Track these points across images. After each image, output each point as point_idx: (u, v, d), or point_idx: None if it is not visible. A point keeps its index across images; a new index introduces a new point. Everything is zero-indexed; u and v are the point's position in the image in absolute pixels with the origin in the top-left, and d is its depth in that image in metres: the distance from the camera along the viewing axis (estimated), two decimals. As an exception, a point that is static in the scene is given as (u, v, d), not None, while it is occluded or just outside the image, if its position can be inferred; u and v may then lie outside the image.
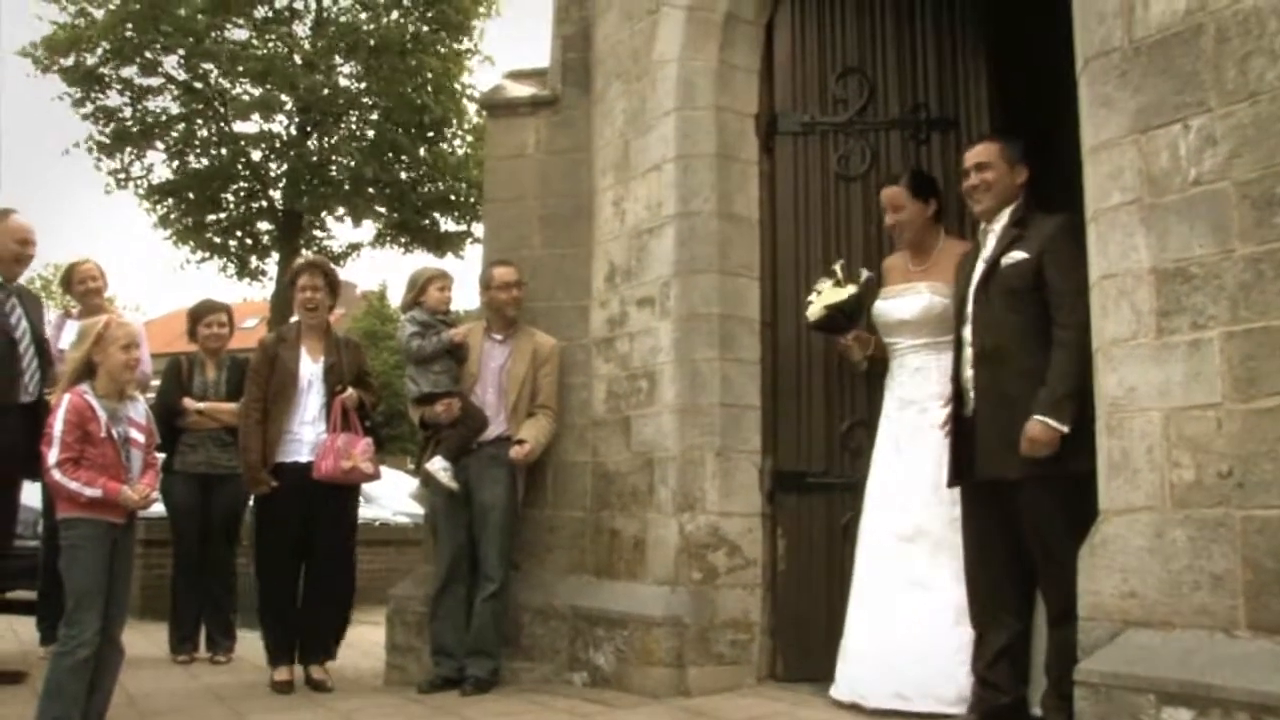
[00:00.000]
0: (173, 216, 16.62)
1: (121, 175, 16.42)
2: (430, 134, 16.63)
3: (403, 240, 17.36)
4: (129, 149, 16.28)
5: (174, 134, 16.33)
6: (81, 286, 6.98)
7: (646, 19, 6.08)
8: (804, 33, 5.85)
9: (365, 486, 6.39)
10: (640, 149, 6.00)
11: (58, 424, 4.39)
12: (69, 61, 15.71)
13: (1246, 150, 3.40)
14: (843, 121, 5.73)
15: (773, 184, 5.78)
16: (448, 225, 17.22)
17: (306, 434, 5.98)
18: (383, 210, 16.99)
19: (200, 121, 16.32)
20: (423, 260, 17.66)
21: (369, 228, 17.59)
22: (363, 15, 16.51)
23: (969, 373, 4.48)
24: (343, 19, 16.63)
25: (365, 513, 7.07)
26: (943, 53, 5.73)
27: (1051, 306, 4.24)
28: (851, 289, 5.11)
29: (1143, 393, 3.58)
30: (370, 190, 16.46)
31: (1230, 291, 3.40)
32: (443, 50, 16.47)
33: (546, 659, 5.96)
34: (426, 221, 17.08)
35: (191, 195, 16.38)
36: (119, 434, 4.51)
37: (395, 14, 16.68)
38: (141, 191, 16.48)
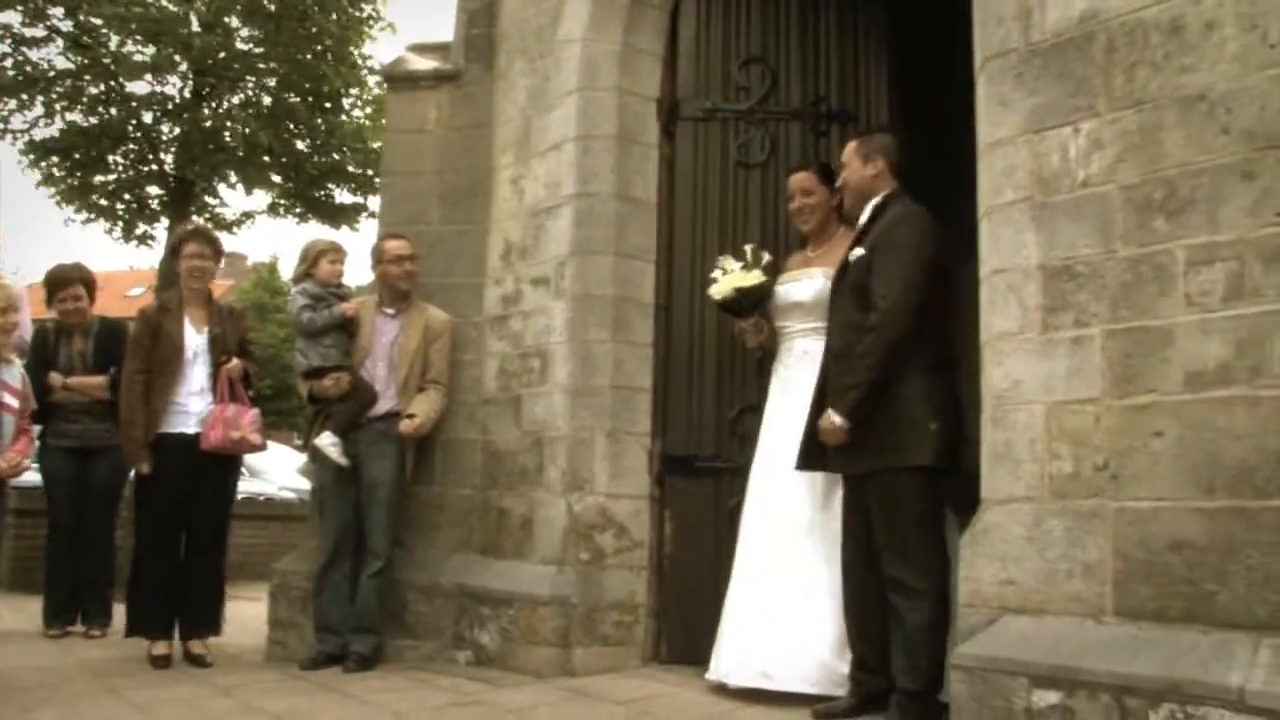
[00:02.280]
0: (57, 174, 16.08)
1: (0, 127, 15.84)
2: (328, 104, 16.31)
3: (297, 210, 17.02)
4: (8, 99, 15.67)
5: (59, 89, 15.78)
6: None
7: (553, -3, 6.05)
8: (709, 19, 5.88)
9: (250, 460, 6.29)
10: (541, 128, 5.98)
11: None
12: (-60, 6, 15.12)
13: (1131, 155, 3.52)
14: (744, 110, 5.77)
15: (672, 169, 5.80)
16: (343, 197, 16.94)
17: (194, 405, 5.85)
18: (277, 179, 16.63)
19: (88, 78, 15.79)
20: (317, 231, 17.35)
21: (262, 196, 17.19)
22: (262, -22, 16.16)
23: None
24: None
25: (250, 487, 6.94)
26: (844, 46, 5.81)
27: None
28: (761, 276, 5.10)
29: (1027, 386, 3.68)
30: (265, 159, 16.09)
31: (1112, 291, 3.51)
32: (343, 17, 16.16)
33: (431, 637, 5.93)
34: (321, 192, 16.78)
35: (78, 155, 15.84)
36: None
37: (296, -23, 16.35)
38: (22, 146, 15.93)
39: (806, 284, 5.02)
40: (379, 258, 6.11)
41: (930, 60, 5.96)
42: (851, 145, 4.74)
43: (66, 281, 6.87)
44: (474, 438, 6.14)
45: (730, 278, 5.13)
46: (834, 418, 4.28)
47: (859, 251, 4.44)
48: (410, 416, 5.84)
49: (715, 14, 5.88)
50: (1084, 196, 3.63)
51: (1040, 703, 3.38)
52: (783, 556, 4.82)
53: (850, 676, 4.50)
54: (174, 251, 6.12)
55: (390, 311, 6.07)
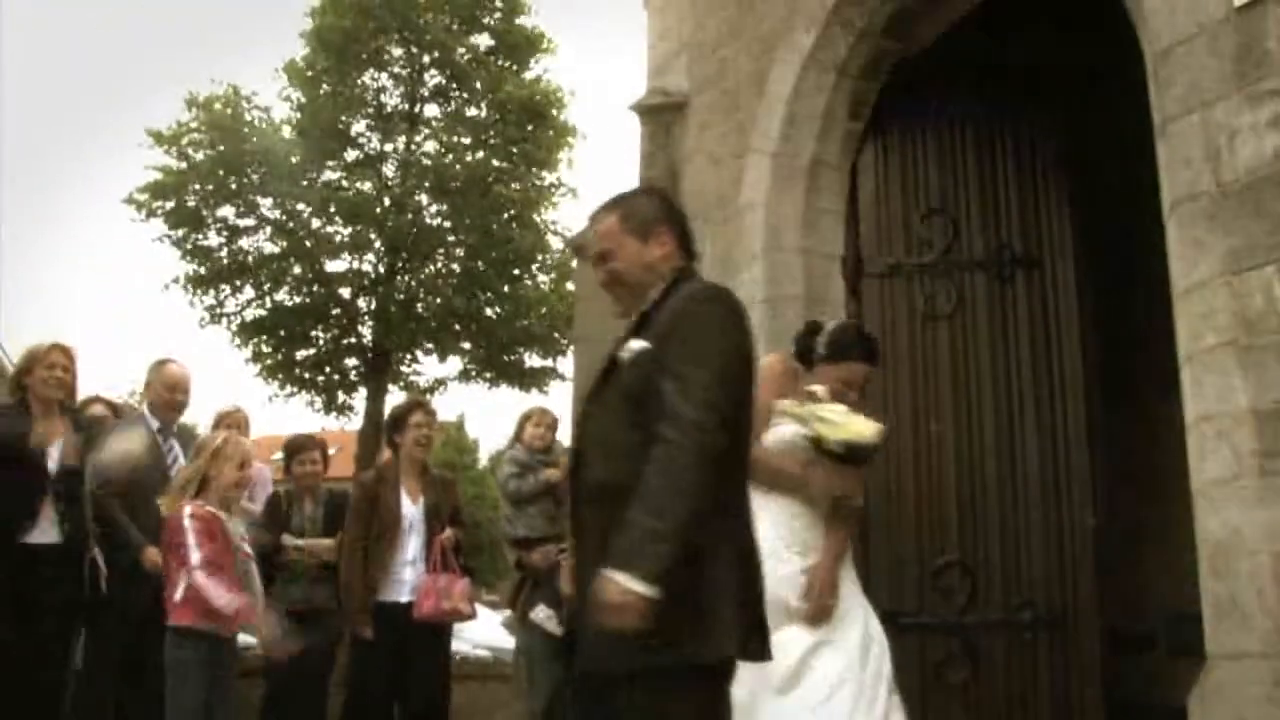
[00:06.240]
0: (264, 351, 17.06)
1: (216, 310, 16.96)
2: (515, 269, 17.01)
3: (488, 375, 17.60)
4: (223, 285, 16.83)
5: (265, 272, 16.87)
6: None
7: (733, 163, 6.25)
8: (888, 175, 5.98)
9: (451, 621, 6.41)
10: (729, 292, 6.11)
11: (189, 532, 4.52)
12: (170, 205, 16.41)
13: (1341, 293, 3.43)
14: (928, 262, 5.81)
15: (860, 324, 5.86)
16: (532, 361, 17.49)
17: (407, 574, 6.02)
18: (468, 346, 17.30)
19: (292, 259, 16.86)
20: (508, 395, 17.91)
21: (454, 363, 17.84)
22: (448, 157, 17.09)
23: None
24: (426, 161, 17.25)
25: (447, 647, 7.07)
26: (1024, 190, 5.82)
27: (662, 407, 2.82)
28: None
29: (1248, 535, 3.56)
30: (457, 326, 16.79)
31: (1333, 432, 3.40)
32: (526, 185, 16.99)
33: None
34: (512, 357, 17.35)
35: (282, 332, 16.84)
36: (236, 547, 4.69)
37: (480, 153, 17.28)
38: (234, 328, 16.99)
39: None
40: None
41: (1114, 199, 5.94)
42: (611, 221, 3.13)
43: (307, 446, 7.29)
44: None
45: (842, 428, 4.00)
46: (630, 583, 2.61)
47: (638, 345, 2.95)
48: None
49: (894, 168, 5.98)
50: (1293, 336, 3.54)
51: None
52: None
53: None
54: (396, 422, 6.36)
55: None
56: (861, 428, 3.98)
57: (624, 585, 2.63)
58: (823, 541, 4.00)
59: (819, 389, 4.11)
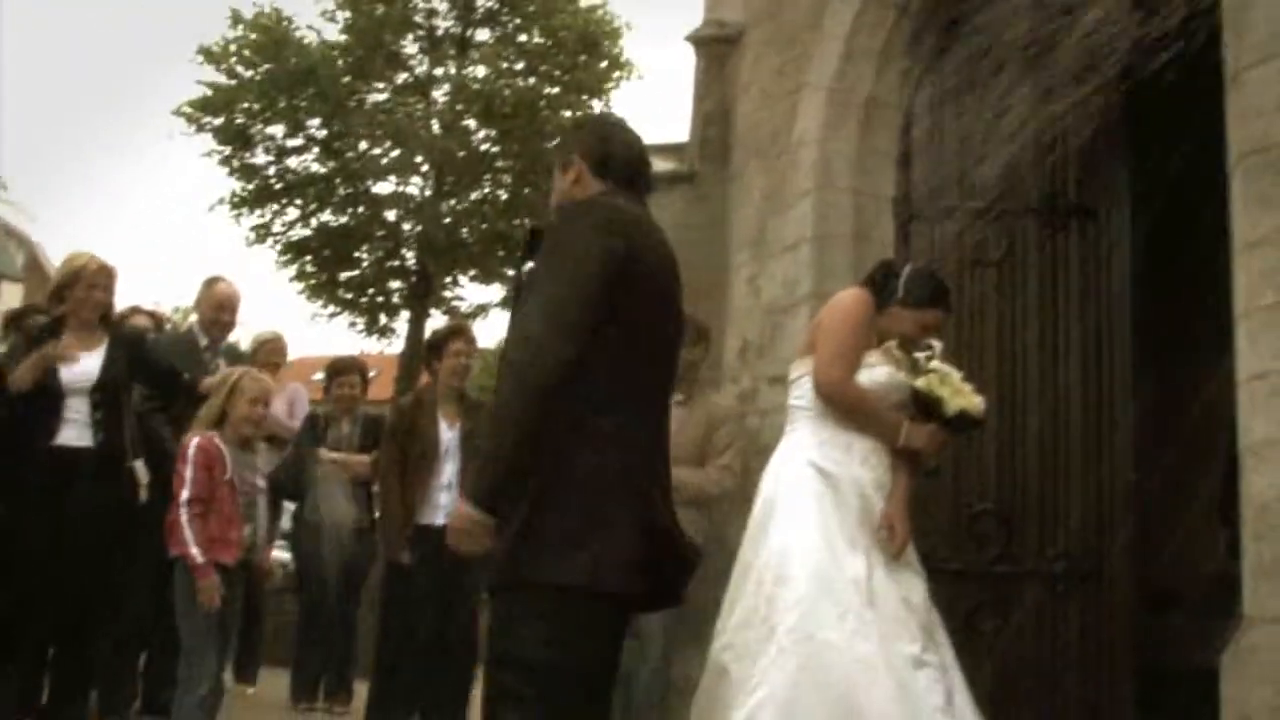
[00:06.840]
0: (308, 271, 17.17)
1: (262, 230, 17.04)
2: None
3: (530, 302, 17.63)
4: (270, 205, 16.91)
5: (312, 191, 16.92)
6: (276, 357, 7.39)
7: (787, 99, 6.16)
8: (943, 117, 5.86)
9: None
10: (777, 227, 6.06)
11: (189, 464, 4.62)
12: (219, 121, 16.46)
13: None
14: (980, 207, 5.70)
15: (908, 267, 5.78)
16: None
17: (442, 498, 6.05)
18: (511, 272, 17.34)
19: (338, 181, 16.90)
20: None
21: (497, 289, 17.90)
22: (498, 83, 17.01)
23: None
24: (476, 85, 17.17)
25: (479, 570, 7.14)
26: (1082, 137, 5.68)
27: None
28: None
29: (1294, 497, 3.50)
30: (501, 253, 16.81)
31: (1391, 397, 3.32)
32: (575, 113, 16.89)
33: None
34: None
35: (327, 252, 16.95)
36: (241, 480, 4.74)
37: (530, 79, 17.19)
38: (279, 247, 17.09)
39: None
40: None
41: (1173, 149, 5.79)
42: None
43: (348, 369, 7.39)
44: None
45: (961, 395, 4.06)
46: (466, 508, 2.80)
47: (530, 264, 3.04)
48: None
49: (950, 112, 5.86)
50: (1357, 297, 3.45)
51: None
52: None
53: None
54: (434, 347, 6.36)
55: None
56: (977, 401, 4.02)
57: (463, 510, 2.80)
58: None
59: (936, 343, 4.12)
